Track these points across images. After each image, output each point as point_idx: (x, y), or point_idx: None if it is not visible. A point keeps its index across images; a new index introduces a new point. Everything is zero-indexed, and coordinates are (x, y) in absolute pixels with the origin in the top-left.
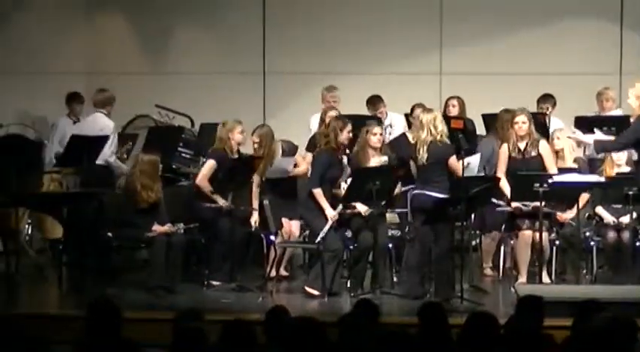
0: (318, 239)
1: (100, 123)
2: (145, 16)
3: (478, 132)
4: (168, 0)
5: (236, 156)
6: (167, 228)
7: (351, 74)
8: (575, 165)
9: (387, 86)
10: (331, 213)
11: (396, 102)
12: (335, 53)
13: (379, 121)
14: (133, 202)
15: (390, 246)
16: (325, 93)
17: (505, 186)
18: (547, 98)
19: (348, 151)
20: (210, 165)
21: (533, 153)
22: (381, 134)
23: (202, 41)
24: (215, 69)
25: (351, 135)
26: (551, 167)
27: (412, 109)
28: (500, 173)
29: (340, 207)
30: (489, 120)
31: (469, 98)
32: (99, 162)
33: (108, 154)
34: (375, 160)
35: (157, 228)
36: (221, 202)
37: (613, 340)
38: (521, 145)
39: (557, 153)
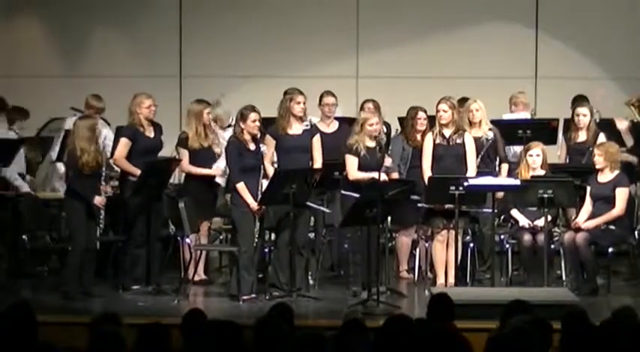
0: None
1: None
2: (60, 19)
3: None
4: (83, 2)
5: (151, 133)
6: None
7: (268, 77)
8: (490, 133)
9: (304, 89)
10: (255, 206)
11: (314, 105)
12: (253, 57)
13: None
14: (78, 171)
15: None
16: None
17: (427, 173)
18: (463, 102)
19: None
20: (122, 142)
21: (459, 141)
22: (304, 103)
23: (118, 44)
24: (131, 72)
25: (257, 123)
26: (471, 159)
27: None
28: (426, 163)
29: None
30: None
31: (385, 101)
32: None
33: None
34: (297, 128)
35: (97, 200)
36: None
37: (529, 342)
38: (446, 133)
39: (475, 124)
